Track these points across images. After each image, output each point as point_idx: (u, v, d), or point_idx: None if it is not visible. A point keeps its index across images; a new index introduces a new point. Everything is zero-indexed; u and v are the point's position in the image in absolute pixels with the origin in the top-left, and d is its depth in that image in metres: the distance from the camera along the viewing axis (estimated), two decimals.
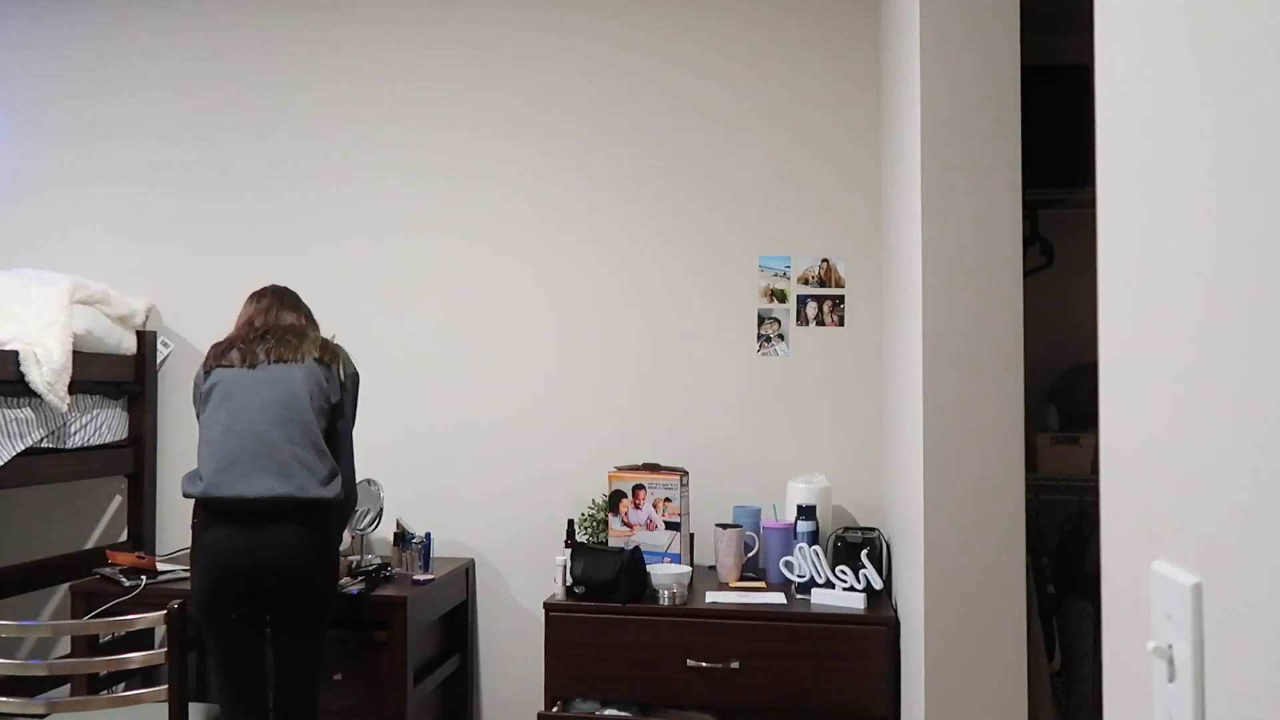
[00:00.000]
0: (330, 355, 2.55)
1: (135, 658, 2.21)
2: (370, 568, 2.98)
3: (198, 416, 2.53)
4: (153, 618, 2.23)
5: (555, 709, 2.66)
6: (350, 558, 3.04)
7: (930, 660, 2.05)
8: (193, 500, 2.46)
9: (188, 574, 2.95)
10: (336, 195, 3.43)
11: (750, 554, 2.94)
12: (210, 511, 2.38)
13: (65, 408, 2.91)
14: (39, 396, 2.87)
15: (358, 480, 3.12)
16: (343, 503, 2.49)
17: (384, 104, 3.42)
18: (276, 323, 2.58)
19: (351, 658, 2.77)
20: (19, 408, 2.88)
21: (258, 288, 2.72)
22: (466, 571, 3.24)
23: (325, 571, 2.42)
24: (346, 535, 3.15)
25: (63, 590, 3.43)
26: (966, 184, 2.05)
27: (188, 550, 3.06)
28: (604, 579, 2.65)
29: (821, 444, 3.17)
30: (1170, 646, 0.66)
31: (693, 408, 3.23)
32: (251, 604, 2.38)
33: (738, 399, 3.20)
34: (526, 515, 3.30)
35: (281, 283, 3.40)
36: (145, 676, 3.16)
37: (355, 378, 2.62)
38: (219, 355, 2.53)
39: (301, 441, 2.41)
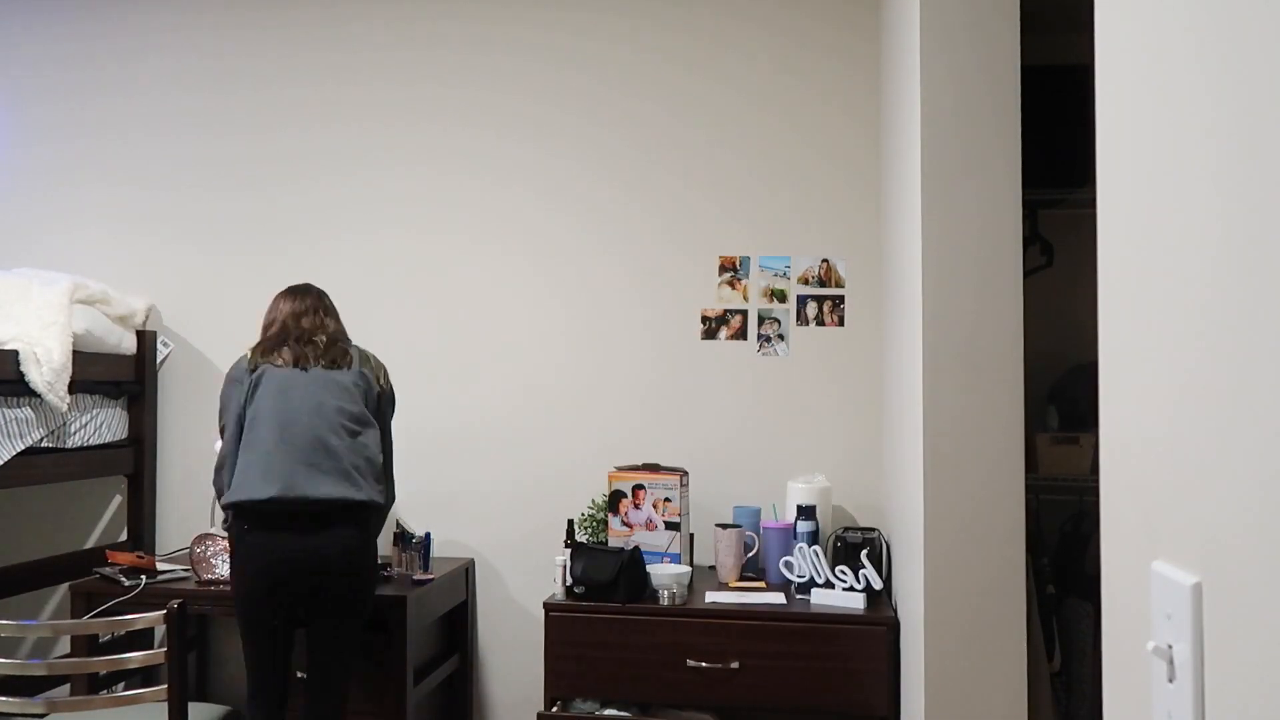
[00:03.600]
0: (373, 367, 2.63)
1: (135, 657, 2.21)
2: None
3: (232, 410, 2.52)
4: (152, 617, 2.23)
5: (555, 709, 2.66)
6: None
7: (930, 660, 2.05)
8: (227, 500, 2.46)
9: (188, 573, 2.95)
10: (336, 195, 3.42)
11: (750, 554, 2.94)
12: (260, 515, 2.40)
13: (65, 407, 2.91)
14: (39, 396, 2.87)
15: None
16: (382, 507, 2.57)
17: (384, 103, 3.42)
18: (322, 327, 2.61)
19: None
20: (19, 408, 2.87)
21: (292, 284, 2.73)
22: (466, 571, 3.24)
23: (371, 570, 2.50)
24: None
25: (63, 590, 3.43)
26: (966, 184, 2.05)
27: (187, 550, 3.06)
28: (604, 579, 2.65)
29: (821, 444, 3.17)
30: (1170, 646, 0.66)
31: (693, 408, 3.23)
32: (296, 605, 2.43)
33: (738, 399, 3.20)
34: (526, 515, 3.30)
35: (280, 282, 3.41)
36: (145, 676, 3.16)
37: (392, 391, 2.70)
38: (266, 351, 2.54)
39: (356, 447, 2.47)
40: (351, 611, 2.47)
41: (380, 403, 2.62)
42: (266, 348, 2.56)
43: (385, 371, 2.68)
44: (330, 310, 2.70)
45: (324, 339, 2.58)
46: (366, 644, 2.59)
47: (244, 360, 2.57)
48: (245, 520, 2.42)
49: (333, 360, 2.54)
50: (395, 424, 3.31)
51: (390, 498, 2.64)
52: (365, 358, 2.63)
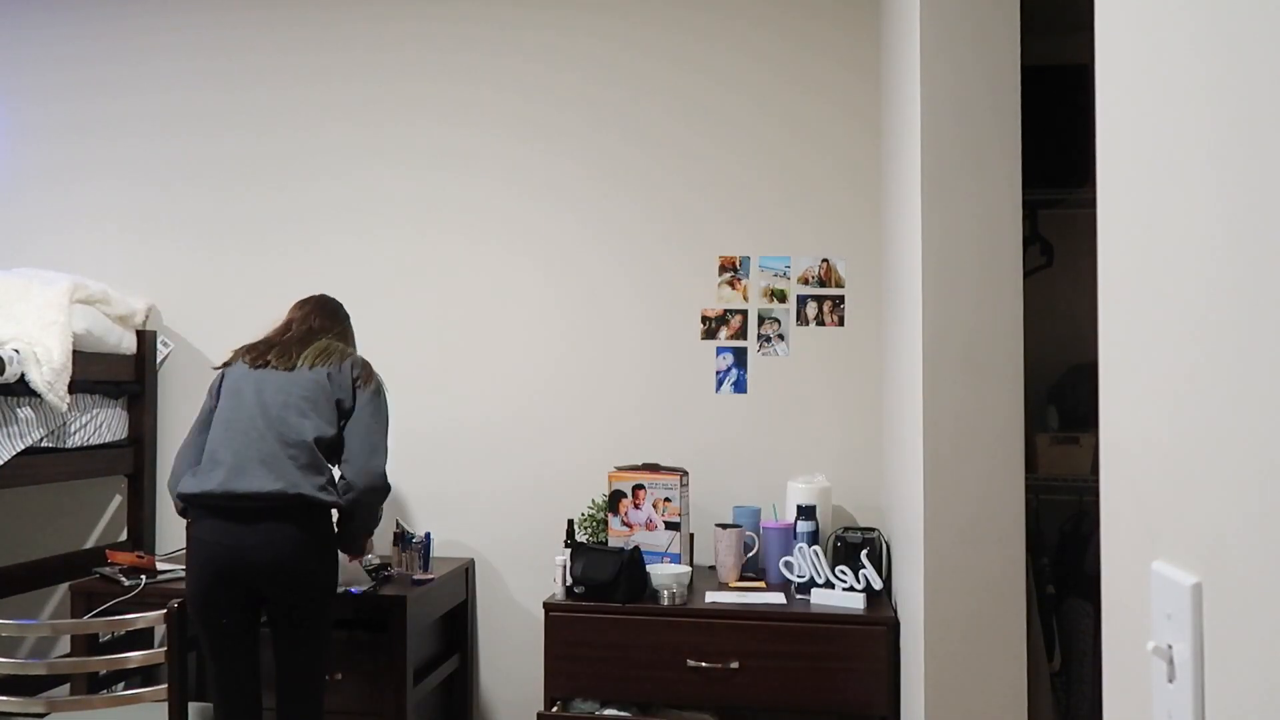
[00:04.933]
0: (348, 369, 2.56)
1: (135, 657, 2.21)
2: (370, 568, 2.98)
3: (204, 406, 2.58)
4: (152, 617, 2.23)
5: (555, 709, 2.66)
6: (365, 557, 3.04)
7: (930, 660, 2.05)
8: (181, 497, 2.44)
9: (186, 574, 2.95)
10: (335, 194, 3.43)
11: (750, 554, 2.94)
12: (200, 508, 2.38)
13: (65, 407, 2.91)
14: (39, 396, 2.87)
15: None
16: (325, 504, 2.41)
17: (382, 103, 3.42)
18: (304, 330, 2.65)
19: (351, 658, 2.77)
20: (19, 408, 2.87)
21: (304, 297, 2.81)
22: (466, 571, 3.24)
23: (321, 571, 2.41)
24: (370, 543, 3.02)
25: (63, 590, 3.43)
26: (966, 184, 2.05)
27: (185, 551, 3.06)
28: (604, 579, 2.65)
29: (821, 444, 3.17)
30: (1170, 646, 0.66)
31: (693, 408, 3.23)
32: (245, 606, 2.37)
33: (738, 399, 3.20)
34: (526, 515, 3.30)
35: (280, 282, 3.42)
36: (145, 676, 3.16)
37: (373, 394, 2.56)
38: (237, 353, 2.61)
39: (297, 442, 2.41)
40: (299, 616, 2.38)
41: (354, 403, 2.52)
42: (239, 350, 2.61)
43: (366, 375, 2.57)
44: (329, 313, 2.73)
45: (295, 341, 2.60)
46: (320, 656, 2.44)
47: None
48: (190, 513, 2.42)
49: (289, 359, 2.54)
50: (396, 424, 3.31)
51: (356, 500, 2.47)
52: (340, 359, 2.57)
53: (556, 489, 3.28)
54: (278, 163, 3.46)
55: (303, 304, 2.75)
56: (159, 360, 3.45)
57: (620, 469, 2.95)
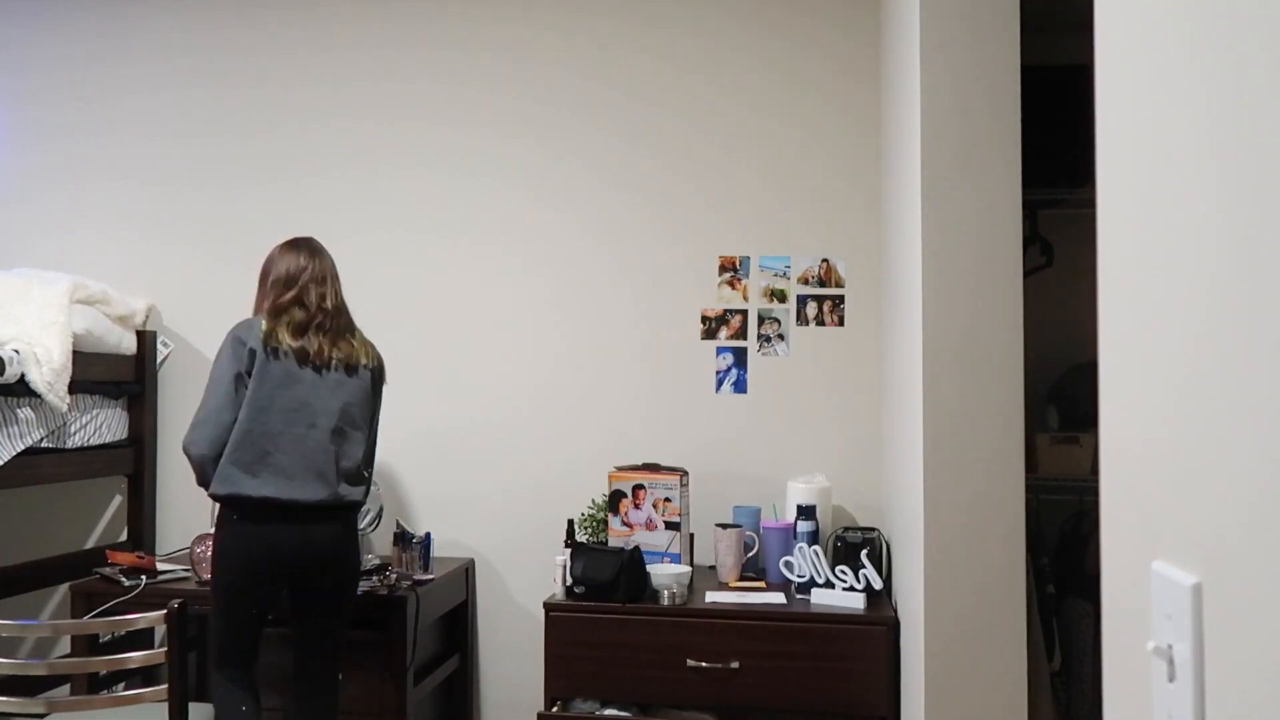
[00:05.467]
0: (376, 360, 2.65)
1: (135, 657, 2.21)
2: (370, 567, 2.98)
3: (228, 369, 2.45)
4: (153, 617, 2.23)
5: (555, 709, 2.66)
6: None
7: (930, 660, 2.05)
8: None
9: (188, 573, 2.95)
10: (336, 195, 3.42)
11: (750, 554, 2.94)
12: (251, 508, 2.42)
13: (65, 408, 2.91)
14: (39, 396, 2.86)
15: None
16: (362, 504, 2.62)
17: (384, 103, 3.42)
18: (336, 304, 2.58)
19: (352, 658, 2.76)
20: (19, 408, 2.87)
21: (293, 238, 2.65)
22: (466, 571, 3.24)
23: (357, 559, 2.58)
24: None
25: (63, 590, 3.42)
26: (966, 184, 2.05)
27: (187, 550, 3.06)
28: (604, 579, 2.65)
29: (821, 444, 3.17)
30: (1170, 646, 0.66)
31: (693, 408, 3.22)
32: (277, 594, 2.50)
33: (738, 399, 3.20)
34: (526, 515, 3.29)
35: None
36: (145, 676, 3.16)
37: (384, 369, 2.71)
38: (284, 329, 2.48)
39: (346, 453, 2.52)
40: (337, 607, 2.53)
41: (377, 392, 2.65)
42: (284, 325, 2.49)
43: (377, 352, 2.66)
44: (336, 277, 2.64)
45: (339, 326, 2.57)
46: (342, 643, 2.61)
47: (257, 327, 2.48)
48: (234, 511, 2.44)
49: (347, 360, 2.55)
50: (395, 424, 3.33)
51: (369, 488, 2.67)
52: (370, 350, 2.64)
53: (556, 489, 3.28)
54: (278, 163, 3.46)
55: (303, 253, 2.59)
56: (159, 360, 3.45)
57: (620, 469, 2.95)
